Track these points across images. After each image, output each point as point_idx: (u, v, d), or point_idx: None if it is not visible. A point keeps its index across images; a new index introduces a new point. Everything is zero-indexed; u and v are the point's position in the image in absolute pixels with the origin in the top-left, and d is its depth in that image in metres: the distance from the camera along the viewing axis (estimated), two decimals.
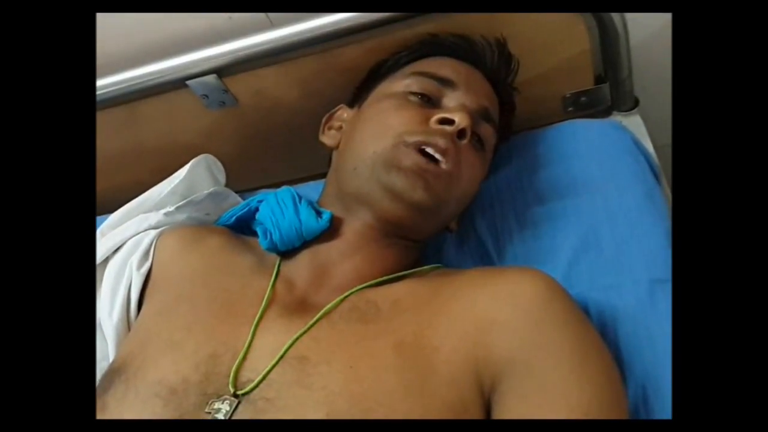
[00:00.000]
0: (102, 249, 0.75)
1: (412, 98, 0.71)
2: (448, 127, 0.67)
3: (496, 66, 0.78)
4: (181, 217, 0.78)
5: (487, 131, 0.73)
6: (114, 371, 0.60)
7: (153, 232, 0.75)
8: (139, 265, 0.71)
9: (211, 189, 0.80)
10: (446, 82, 0.72)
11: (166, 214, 0.77)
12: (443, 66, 0.74)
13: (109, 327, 0.69)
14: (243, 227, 0.77)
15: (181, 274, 0.70)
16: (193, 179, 0.81)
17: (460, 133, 0.67)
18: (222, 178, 0.86)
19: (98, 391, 0.59)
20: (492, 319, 0.58)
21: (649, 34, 0.90)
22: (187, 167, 0.81)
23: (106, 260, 0.75)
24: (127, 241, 0.75)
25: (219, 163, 0.85)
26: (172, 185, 0.79)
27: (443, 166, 0.66)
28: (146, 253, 0.73)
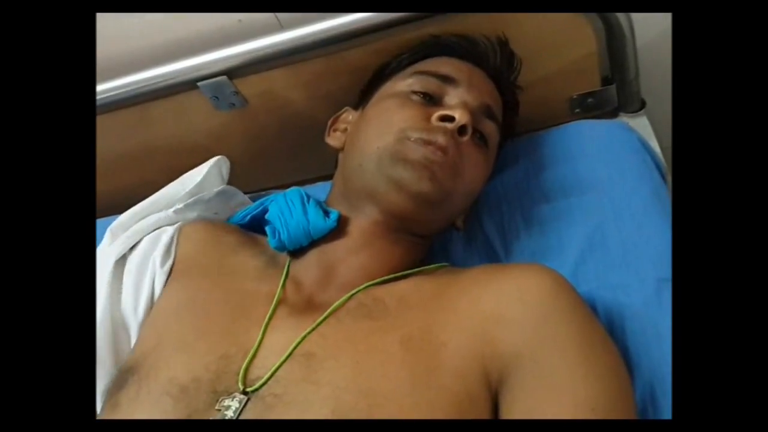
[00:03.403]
0: (119, 246, 0.75)
1: (414, 97, 0.71)
2: (448, 124, 0.67)
3: (498, 64, 0.79)
4: (192, 215, 0.79)
5: (490, 128, 0.73)
6: (127, 370, 0.61)
7: (170, 229, 0.75)
8: (162, 262, 0.72)
9: (220, 187, 0.81)
10: (448, 80, 0.73)
11: (175, 211, 0.78)
12: (445, 64, 0.75)
13: (134, 323, 0.69)
14: (255, 226, 0.78)
15: (199, 270, 0.70)
16: (204, 179, 0.81)
17: (461, 130, 0.68)
18: (227, 176, 0.86)
19: (111, 390, 0.60)
20: (499, 315, 0.58)
21: (655, 35, 0.90)
22: (204, 170, 0.81)
23: (123, 257, 0.75)
24: (143, 238, 0.75)
25: (228, 163, 0.86)
26: (188, 188, 0.79)
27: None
28: (168, 249, 0.73)
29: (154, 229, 0.77)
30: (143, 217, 0.79)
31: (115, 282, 0.72)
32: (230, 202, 0.83)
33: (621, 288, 0.70)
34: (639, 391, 0.62)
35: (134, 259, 0.74)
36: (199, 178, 0.80)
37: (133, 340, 0.69)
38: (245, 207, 0.82)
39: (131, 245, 0.75)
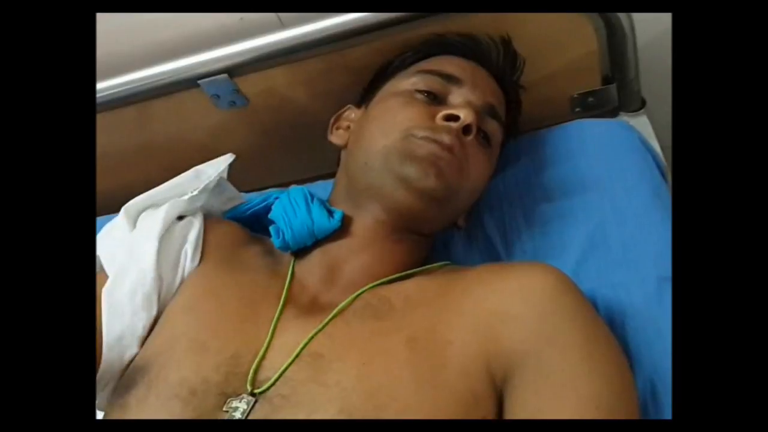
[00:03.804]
0: (156, 231, 0.71)
1: (419, 96, 0.72)
2: (453, 124, 0.68)
3: (501, 64, 0.79)
4: (199, 203, 0.78)
5: (493, 127, 0.74)
6: (137, 370, 0.60)
7: (197, 222, 0.74)
8: (194, 257, 0.71)
9: (219, 176, 0.79)
10: (452, 79, 0.73)
11: (189, 199, 0.76)
12: (449, 64, 0.75)
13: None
14: (253, 222, 0.78)
15: (217, 266, 0.70)
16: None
17: (465, 129, 0.68)
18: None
19: (120, 390, 0.60)
20: (503, 313, 0.58)
21: (655, 35, 0.90)
22: (221, 167, 0.79)
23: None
24: (172, 227, 0.73)
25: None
26: (204, 184, 0.77)
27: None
28: (197, 245, 0.72)
29: (177, 216, 0.75)
30: (156, 202, 0.76)
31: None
32: (221, 195, 0.82)
33: (622, 286, 0.70)
34: (640, 388, 0.63)
35: (168, 249, 0.71)
36: (215, 175, 0.78)
37: None
38: (234, 201, 0.82)
39: (163, 232, 0.72)
